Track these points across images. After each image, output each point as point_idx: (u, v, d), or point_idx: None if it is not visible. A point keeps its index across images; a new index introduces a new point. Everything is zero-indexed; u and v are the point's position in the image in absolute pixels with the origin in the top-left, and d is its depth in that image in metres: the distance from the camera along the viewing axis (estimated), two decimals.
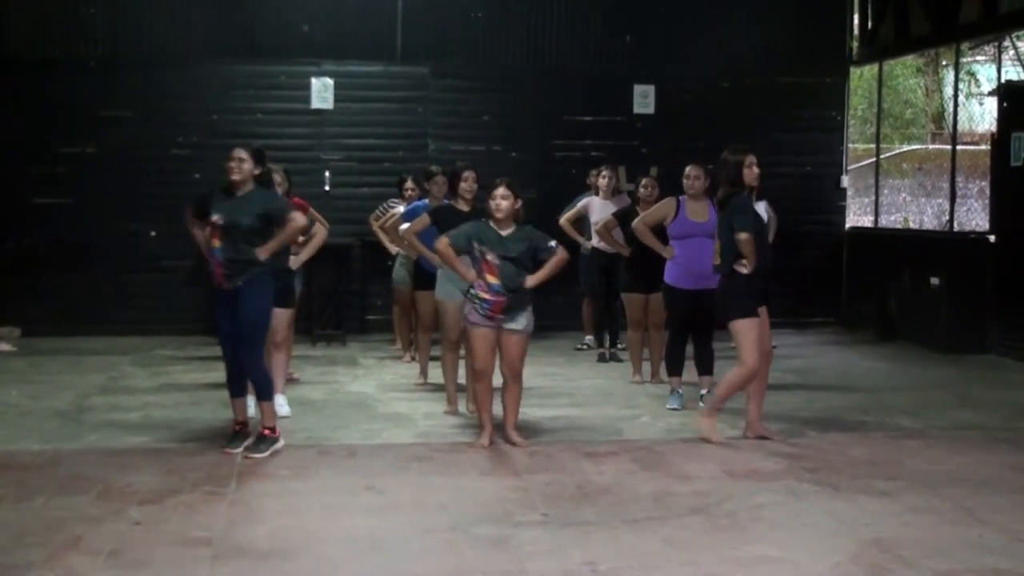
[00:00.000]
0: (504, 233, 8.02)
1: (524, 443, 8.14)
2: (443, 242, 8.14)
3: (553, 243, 8.16)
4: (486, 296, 7.95)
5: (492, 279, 7.92)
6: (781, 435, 8.42)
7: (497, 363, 8.25)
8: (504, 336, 8.06)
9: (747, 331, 8.17)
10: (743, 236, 8.12)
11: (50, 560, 5.63)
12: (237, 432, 7.99)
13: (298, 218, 7.97)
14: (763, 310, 8.34)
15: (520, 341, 8.13)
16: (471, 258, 8.08)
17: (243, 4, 14.53)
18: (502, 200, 8.01)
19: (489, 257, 7.94)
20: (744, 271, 8.16)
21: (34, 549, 5.77)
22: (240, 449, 7.81)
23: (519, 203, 8.12)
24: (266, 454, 7.73)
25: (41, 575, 5.42)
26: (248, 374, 7.92)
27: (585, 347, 13.14)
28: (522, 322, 8.10)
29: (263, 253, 7.74)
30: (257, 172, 7.93)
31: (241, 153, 7.84)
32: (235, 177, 7.78)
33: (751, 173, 8.30)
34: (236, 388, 8.01)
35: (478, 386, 8.24)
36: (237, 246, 7.71)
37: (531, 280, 8.02)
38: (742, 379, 8.29)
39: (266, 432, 7.86)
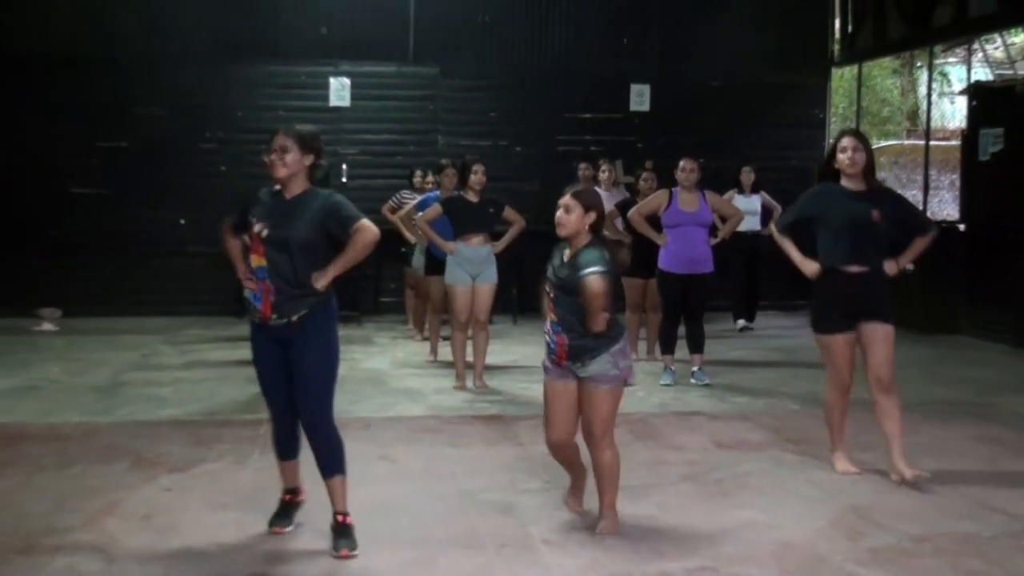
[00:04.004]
0: (567, 256, 5.59)
1: (615, 530, 5.61)
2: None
3: (588, 271, 5.39)
4: (550, 336, 5.66)
5: (551, 314, 5.64)
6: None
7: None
8: (583, 389, 5.63)
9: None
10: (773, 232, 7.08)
11: (88, 524, 5.65)
12: (287, 503, 5.67)
13: (368, 228, 5.31)
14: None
15: (601, 397, 5.58)
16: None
17: (266, 8, 14.52)
18: (564, 212, 5.56)
19: (548, 287, 5.65)
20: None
21: (73, 514, 5.79)
22: (289, 527, 5.59)
23: (591, 217, 5.54)
24: (356, 551, 5.27)
25: (80, 538, 5.44)
26: (314, 438, 5.41)
27: None
28: (600, 368, 5.56)
29: (321, 280, 5.27)
30: (308, 163, 5.33)
31: (284, 140, 5.26)
32: (279, 174, 5.26)
33: (843, 158, 6.49)
34: (287, 448, 5.61)
35: (556, 456, 5.96)
36: (289, 269, 5.23)
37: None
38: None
39: (341, 519, 5.39)
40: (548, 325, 5.64)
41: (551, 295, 5.60)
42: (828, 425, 6.86)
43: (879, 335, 6.53)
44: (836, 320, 6.56)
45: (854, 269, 6.48)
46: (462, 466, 6.88)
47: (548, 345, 5.67)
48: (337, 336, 5.46)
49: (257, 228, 5.24)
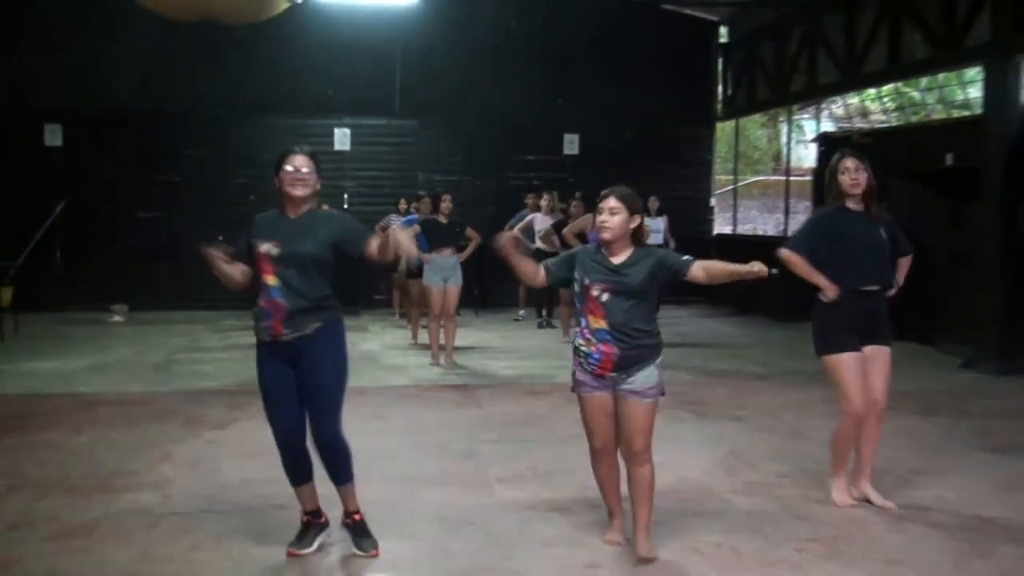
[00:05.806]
0: (617, 260, 4.15)
1: (655, 553, 4.20)
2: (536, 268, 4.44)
3: (687, 257, 4.16)
4: (590, 346, 4.17)
5: (597, 321, 4.13)
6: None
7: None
8: (622, 402, 4.19)
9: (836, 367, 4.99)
10: (780, 252, 5.09)
11: (149, 469, 5.63)
12: (307, 524, 4.38)
13: (374, 244, 4.22)
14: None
15: (645, 410, 4.15)
16: (576, 292, 4.27)
17: (285, 74, 14.39)
18: (610, 216, 4.12)
19: (594, 292, 4.13)
20: (823, 298, 5.01)
21: (138, 461, 5.77)
22: (310, 549, 4.32)
23: (636, 220, 4.15)
24: (375, 550, 4.30)
25: (142, 479, 5.41)
26: (326, 451, 4.26)
27: (521, 318, 13.16)
28: (646, 381, 4.14)
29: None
30: (319, 185, 4.26)
31: (307, 162, 4.18)
32: (299, 193, 4.17)
33: (845, 179, 4.92)
34: (300, 472, 4.33)
35: (599, 469, 4.42)
36: (301, 283, 4.14)
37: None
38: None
39: (358, 519, 4.37)
40: (587, 334, 4.15)
41: (601, 299, 4.08)
42: (833, 453, 5.08)
43: (880, 357, 5.00)
44: (846, 340, 4.92)
45: (872, 288, 4.93)
46: (436, 423, 6.89)
47: (586, 355, 4.17)
48: (347, 351, 4.37)
49: (265, 248, 4.12)
